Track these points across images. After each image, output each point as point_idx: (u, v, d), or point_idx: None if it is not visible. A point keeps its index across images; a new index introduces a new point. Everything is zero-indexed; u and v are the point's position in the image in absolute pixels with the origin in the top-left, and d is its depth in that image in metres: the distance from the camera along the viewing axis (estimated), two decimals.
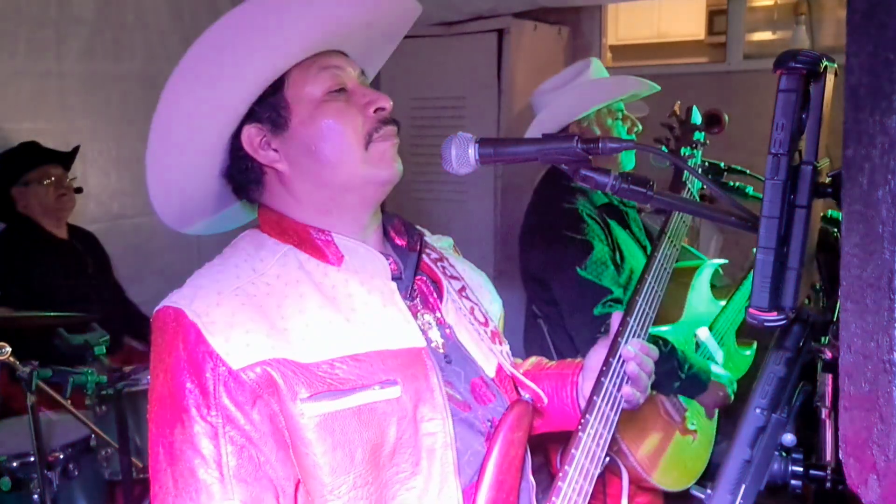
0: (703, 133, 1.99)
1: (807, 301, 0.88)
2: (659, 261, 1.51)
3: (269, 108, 1.08)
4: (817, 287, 0.99)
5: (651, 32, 4.93)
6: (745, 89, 3.53)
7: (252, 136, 1.08)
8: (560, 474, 1.13)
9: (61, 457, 2.28)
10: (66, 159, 3.08)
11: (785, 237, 0.78)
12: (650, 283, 1.44)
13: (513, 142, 1.06)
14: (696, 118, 2.00)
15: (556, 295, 2.19)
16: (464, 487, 1.06)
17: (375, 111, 1.09)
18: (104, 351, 2.33)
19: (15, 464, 2.20)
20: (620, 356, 1.24)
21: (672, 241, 1.61)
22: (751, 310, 0.78)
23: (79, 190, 3.08)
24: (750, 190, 2.03)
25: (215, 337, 0.96)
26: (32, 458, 2.14)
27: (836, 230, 0.96)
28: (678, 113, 2.02)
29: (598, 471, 1.15)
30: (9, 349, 2.03)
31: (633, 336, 1.29)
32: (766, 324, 0.78)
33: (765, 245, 0.78)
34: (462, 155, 1.05)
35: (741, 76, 3.70)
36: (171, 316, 0.99)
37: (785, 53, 0.78)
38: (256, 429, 0.96)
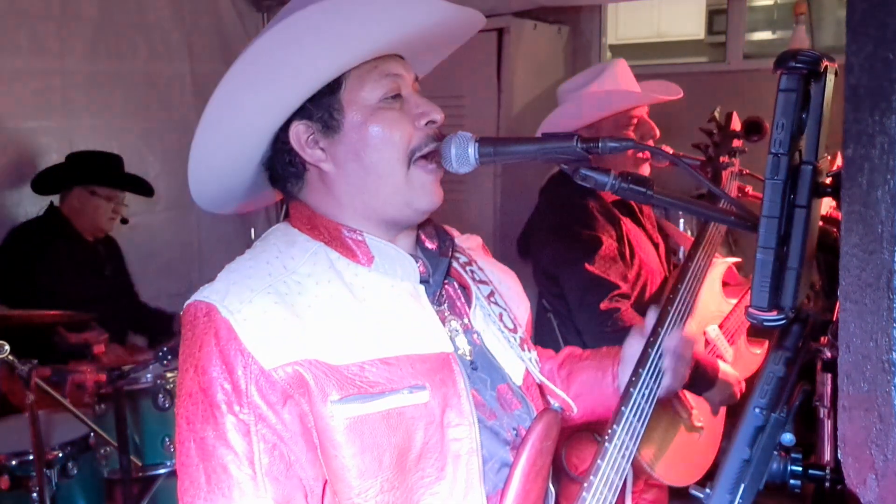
0: (742, 140, 1.95)
1: (806, 301, 0.88)
2: (692, 270, 1.49)
3: (323, 108, 1.06)
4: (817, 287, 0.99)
5: (651, 32, 4.93)
6: (745, 89, 3.52)
7: (300, 134, 1.07)
8: (585, 484, 1.12)
9: (60, 455, 2.28)
10: (142, 190, 3.13)
11: (785, 237, 0.78)
12: (682, 292, 1.41)
13: (513, 141, 1.06)
14: (736, 125, 1.98)
15: (564, 289, 2.20)
16: (489, 495, 1.06)
17: (427, 123, 1.09)
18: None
19: (14, 462, 2.20)
20: (650, 368, 1.23)
21: (706, 252, 1.59)
22: (751, 309, 0.78)
23: (125, 221, 3.12)
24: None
25: (247, 334, 0.95)
26: (31, 457, 2.13)
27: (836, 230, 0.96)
28: (717, 119, 2.00)
29: (621, 482, 1.14)
30: (7, 347, 2.03)
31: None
32: (765, 323, 0.78)
33: (765, 245, 0.78)
34: (462, 154, 1.05)
35: (741, 76, 3.69)
36: (202, 311, 0.98)
37: (785, 53, 0.78)
38: (287, 428, 0.96)
